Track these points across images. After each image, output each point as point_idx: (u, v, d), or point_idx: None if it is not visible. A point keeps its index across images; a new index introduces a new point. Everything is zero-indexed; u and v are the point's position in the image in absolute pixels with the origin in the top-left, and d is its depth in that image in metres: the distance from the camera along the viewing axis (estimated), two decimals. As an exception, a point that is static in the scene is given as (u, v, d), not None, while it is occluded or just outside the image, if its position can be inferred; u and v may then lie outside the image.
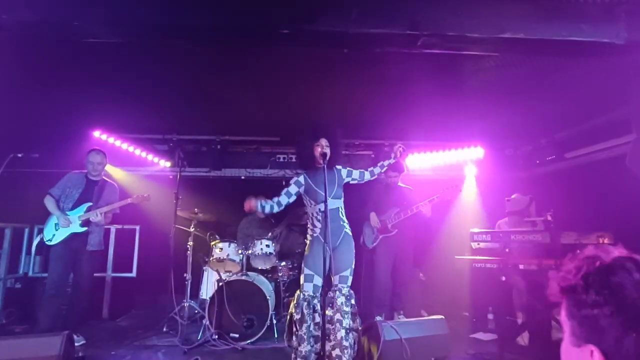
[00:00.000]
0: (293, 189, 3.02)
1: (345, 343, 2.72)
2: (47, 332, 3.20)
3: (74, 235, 3.62)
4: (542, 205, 3.97)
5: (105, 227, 5.13)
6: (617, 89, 3.34)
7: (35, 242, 3.93)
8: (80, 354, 3.18)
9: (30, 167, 3.75)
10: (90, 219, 3.63)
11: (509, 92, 3.79)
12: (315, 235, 2.97)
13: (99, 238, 3.81)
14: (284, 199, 3.00)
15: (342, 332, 2.73)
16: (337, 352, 2.69)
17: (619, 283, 0.58)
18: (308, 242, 3.02)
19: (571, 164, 4.67)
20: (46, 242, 3.61)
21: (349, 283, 2.90)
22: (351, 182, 3.16)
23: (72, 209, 3.66)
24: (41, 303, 3.67)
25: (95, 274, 4.00)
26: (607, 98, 3.65)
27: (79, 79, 3.71)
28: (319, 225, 2.95)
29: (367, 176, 3.19)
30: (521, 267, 3.48)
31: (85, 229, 3.65)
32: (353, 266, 2.95)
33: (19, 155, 3.49)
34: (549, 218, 3.36)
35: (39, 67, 3.52)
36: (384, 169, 3.28)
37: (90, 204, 3.69)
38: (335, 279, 2.82)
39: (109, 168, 5.28)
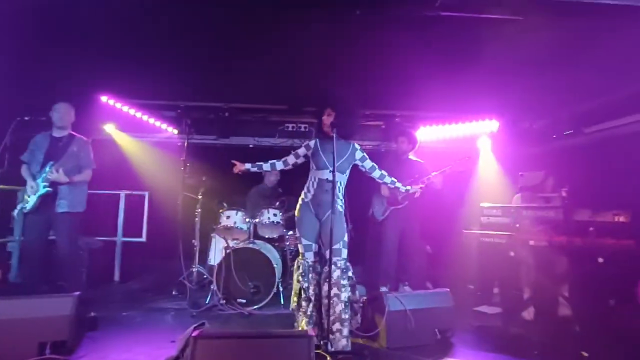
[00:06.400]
0: (302, 151, 3.08)
1: (344, 316, 2.77)
2: (26, 287, 3.30)
3: (42, 199, 3.38)
4: (557, 180, 3.86)
5: (114, 192, 5.25)
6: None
7: (15, 211, 3.71)
8: (93, 314, 3.27)
9: (38, 131, 3.70)
10: (49, 177, 3.35)
11: (527, 62, 3.60)
12: (306, 200, 3.01)
13: (70, 198, 3.46)
14: (291, 159, 3.12)
15: (341, 306, 2.77)
16: (337, 325, 2.74)
17: None
18: (299, 205, 3.05)
19: (589, 139, 4.49)
20: (23, 211, 3.42)
21: (344, 255, 2.90)
22: (360, 168, 3.14)
23: (40, 171, 3.43)
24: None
25: (102, 238, 4.01)
26: (630, 71, 3.43)
27: (86, 42, 3.60)
28: (312, 191, 2.99)
29: (377, 174, 3.17)
30: (531, 243, 3.43)
31: (49, 189, 3.37)
32: (345, 239, 2.94)
33: (26, 118, 3.44)
34: (564, 194, 3.27)
35: (45, 29, 3.42)
36: (393, 185, 3.29)
37: (53, 162, 3.40)
38: (327, 253, 2.81)
39: (116, 133, 5.30)
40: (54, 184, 3.40)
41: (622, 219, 3.11)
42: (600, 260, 3.09)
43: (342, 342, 2.73)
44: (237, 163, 3.14)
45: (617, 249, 3.06)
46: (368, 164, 3.12)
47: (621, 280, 3.21)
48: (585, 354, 2.83)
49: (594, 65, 3.43)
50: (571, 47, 3.22)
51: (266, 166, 3.13)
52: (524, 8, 2.32)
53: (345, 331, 2.76)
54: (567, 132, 4.71)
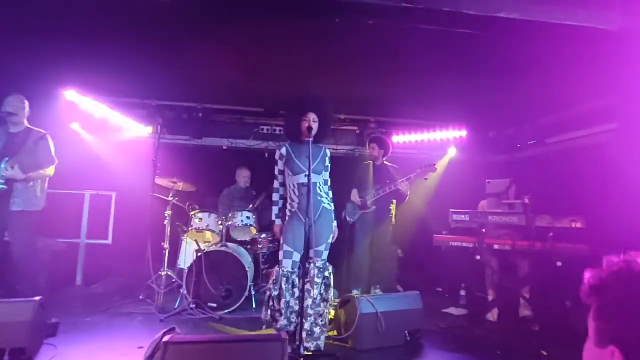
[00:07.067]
0: (281, 164, 3.05)
1: (310, 311, 2.78)
2: None
3: None
4: (521, 188, 4.06)
5: (78, 192, 5.03)
6: (603, 77, 3.37)
7: None
8: (53, 320, 3.12)
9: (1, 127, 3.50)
10: (3, 174, 3.17)
11: (496, 76, 3.78)
12: (293, 210, 2.97)
13: (25, 196, 3.29)
14: (281, 178, 3.09)
15: (309, 301, 2.78)
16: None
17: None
18: (287, 217, 3.02)
19: (551, 149, 4.77)
20: None
21: (324, 257, 2.94)
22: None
23: None
24: None
25: (64, 240, 3.79)
26: (592, 86, 3.68)
27: (50, 31, 3.45)
28: (296, 199, 2.96)
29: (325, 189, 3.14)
30: (496, 247, 3.59)
31: (3, 187, 3.18)
32: (330, 240, 2.97)
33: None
34: (527, 201, 3.44)
35: (10, 21, 3.25)
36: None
37: (7, 158, 3.21)
38: (310, 253, 2.83)
39: (82, 131, 5.09)
40: (9, 181, 3.21)
41: (578, 224, 3.32)
42: (559, 263, 3.27)
43: (301, 334, 2.74)
44: (277, 229, 3.11)
45: (573, 253, 3.26)
46: (325, 175, 3.10)
47: (577, 282, 3.41)
48: (545, 353, 2.99)
49: (556, 81, 3.65)
50: (537, 63, 3.41)
51: (280, 202, 3.09)
52: (493, 25, 2.45)
53: (307, 325, 2.75)
54: (531, 142, 4.97)
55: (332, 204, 3.07)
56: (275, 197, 3.11)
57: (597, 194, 3.59)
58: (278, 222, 3.09)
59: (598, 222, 3.34)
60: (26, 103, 3.43)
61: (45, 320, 2.92)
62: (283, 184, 3.10)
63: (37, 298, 2.67)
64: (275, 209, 3.10)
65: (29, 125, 3.44)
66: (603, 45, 2.59)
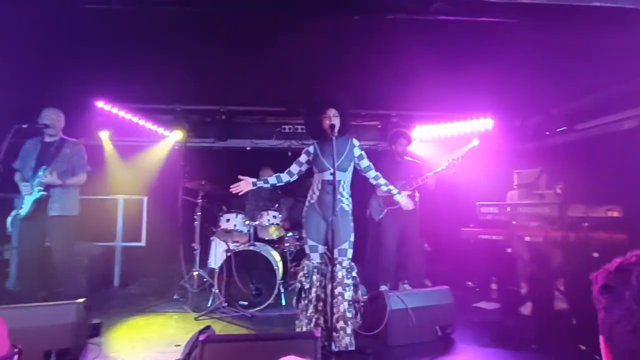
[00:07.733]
0: (303, 158, 3.08)
1: (348, 315, 2.81)
2: (25, 295, 3.30)
3: (37, 204, 3.38)
4: (551, 177, 3.93)
5: (112, 197, 5.24)
6: (633, 59, 3.21)
7: (9, 218, 3.70)
8: (97, 321, 3.28)
9: (33, 137, 3.69)
10: (42, 180, 3.34)
11: (520, 61, 3.66)
12: (312, 202, 3.02)
13: (62, 202, 3.46)
14: (294, 168, 3.11)
15: (345, 305, 2.81)
16: (341, 324, 2.79)
17: (622, 282, 0.69)
18: (305, 207, 3.06)
19: (582, 136, 4.58)
20: (18, 217, 3.42)
21: (349, 255, 2.94)
22: (356, 166, 3.09)
23: (33, 177, 3.40)
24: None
25: (101, 244, 3.90)
26: (622, 69, 3.51)
27: (81, 46, 3.60)
28: (317, 192, 3.01)
29: (372, 174, 3.13)
30: (527, 239, 3.50)
31: (43, 193, 3.36)
32: (352, 239, 2.97)
33: (24, 125, 3.43)
34: (558, 191, 3.33)
35: (40, 34, 3.41)
36: (387, 187, 3.19)
37: (46, 166, 3.38)
38: (335, 252, 2.84)
39: (112, 139, 5.29)
40: (47, 188, 3.40)
41: (615, 213, 3.19)
42: (595, 254, 3.15)
43: (345, 339, 2.78)
44: (244, 178, 3.05)
45: (611, 243, 3.13)
46: (364, 162, 3.09)
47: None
48: (583, 348, 2.90)
49: (585, 64, 3.50)
50: (563, 46, 3.28)
51: (272, 180, 3.09)
52: (516, 11, 2.37)
53: (349, 329, 2.80)
54: (560, 129, 4.79)
55: (350, 206, 3.04)
56: (278, 174, 3.12)
57: (635, 180, 3.43)
58: (254, 180, 3.05)
59: (637, 211, 3.20)
60: (62, 116, 3.63)
61: (88, 322, 3.07)
62: (292, 175, 3.10)
63: (81, 300, 2.82)
64: (265, 178, 3.11)
65: (63, 136, 3.63)
66: (634, 25, 2.46)
